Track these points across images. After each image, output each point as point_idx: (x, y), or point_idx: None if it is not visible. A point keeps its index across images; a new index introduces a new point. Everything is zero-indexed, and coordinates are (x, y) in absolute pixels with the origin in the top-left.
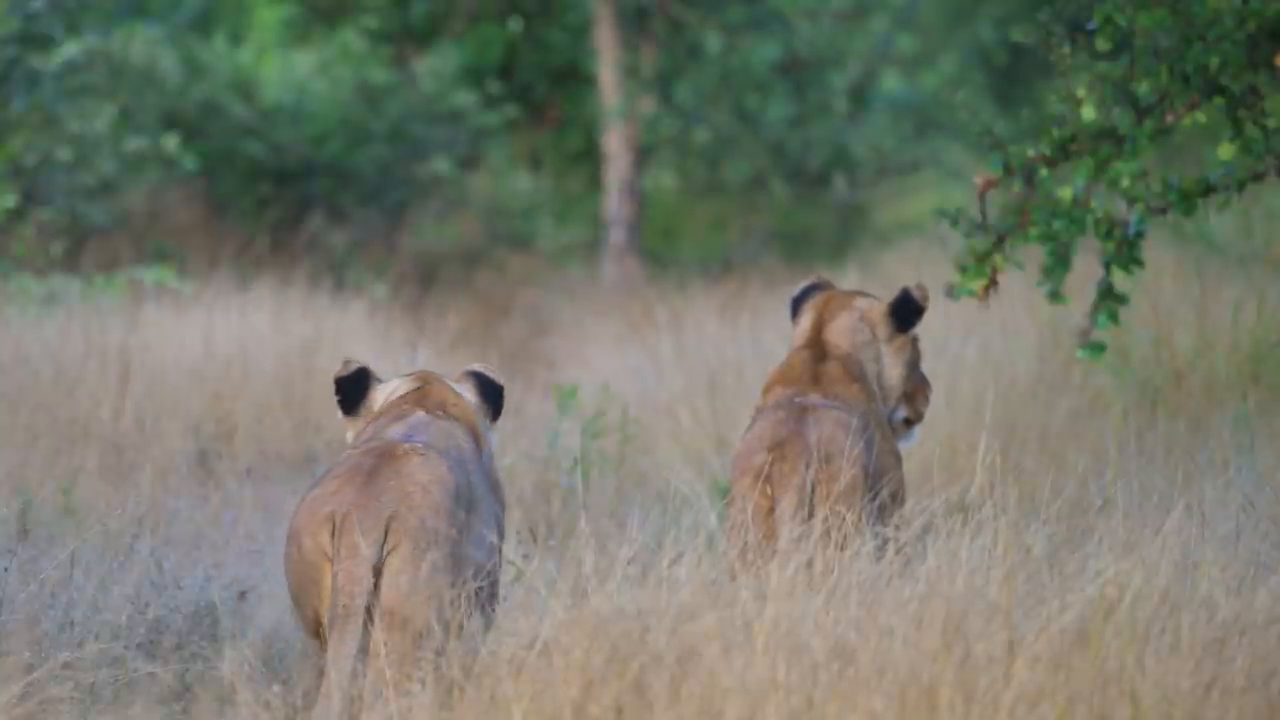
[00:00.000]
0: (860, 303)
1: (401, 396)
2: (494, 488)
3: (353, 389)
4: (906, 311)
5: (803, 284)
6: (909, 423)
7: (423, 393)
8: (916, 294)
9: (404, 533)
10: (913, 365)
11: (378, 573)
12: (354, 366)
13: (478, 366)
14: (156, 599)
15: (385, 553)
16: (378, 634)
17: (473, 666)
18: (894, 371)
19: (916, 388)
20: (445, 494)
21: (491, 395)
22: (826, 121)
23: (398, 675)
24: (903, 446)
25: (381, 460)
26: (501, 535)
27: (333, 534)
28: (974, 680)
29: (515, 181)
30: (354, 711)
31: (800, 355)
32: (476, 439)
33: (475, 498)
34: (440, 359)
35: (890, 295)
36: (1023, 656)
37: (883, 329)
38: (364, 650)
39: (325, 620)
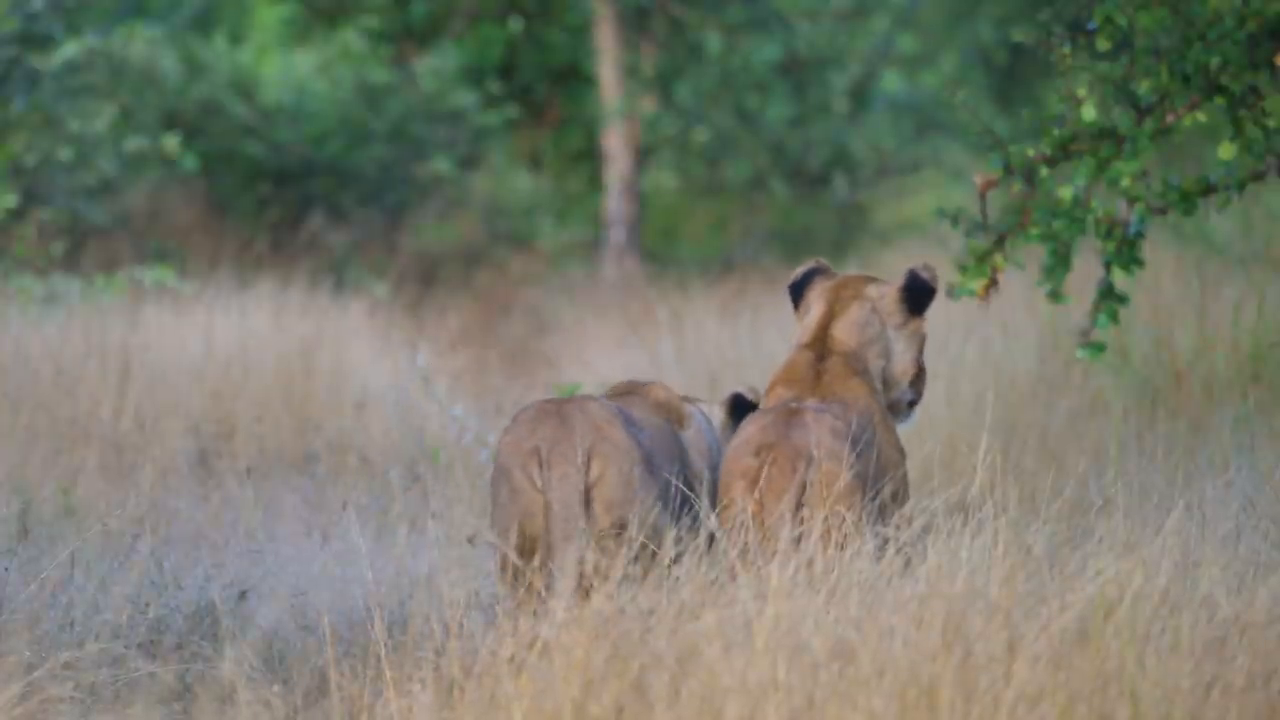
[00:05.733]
0: (872, 291)
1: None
2: (680, 464)
3: None
4: (918, 295)
5: (802, 269)
6: (911, 404)
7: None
8: (925, 275)
9: (606, 458)
10: (921, 348)
11: (588, 496)
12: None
13: (740, 389)
14: (156, 599)
15: (593, 479)
16: (593, 549)
17: (473, 666)
18: (907, 357)
19: (916, 371)
20: (625, 431)
21: (740, 414)
22: (826, 121)
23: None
24: (904, 428)
25: (563, 404)
26: (672, 511)
27: (540, 466)
28: (974, 680)
29: (515, 181)
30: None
31: (803, 355)
32: (676, 425)
33: (652, 459)
34: (440, 359)
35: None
36: (1023, 656)
37: (895, 316)
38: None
39: (539, 540)
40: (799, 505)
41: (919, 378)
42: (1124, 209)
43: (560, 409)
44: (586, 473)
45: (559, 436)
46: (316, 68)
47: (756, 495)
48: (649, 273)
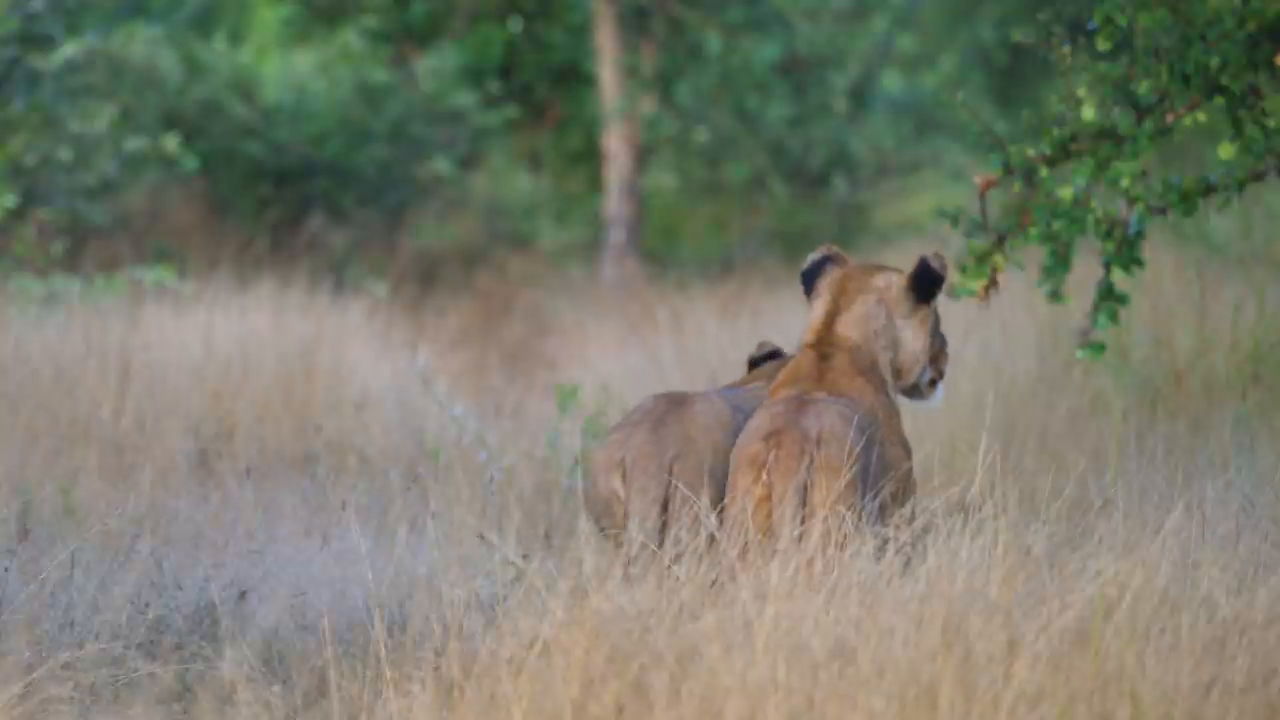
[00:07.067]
0: (879, 281)
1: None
2: None
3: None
4: (926, 283)
5: (813, 256)
6: (933, 383)
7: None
8: (935, 263)
9: (684, 473)
10: (935, 332)
11: (665, 505)
12: (768, 348)
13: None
14: (156, 599)
15: (670, 489)
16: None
17: (473, 666)
18: (918, 344)
19: (937, 349)
20: (725, 435)
21: None
22: (826, 121)
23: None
24: (930, 406)
25: (670, 405)
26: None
27: (623, 477)
28: (974, 680)
29: (515, 181)
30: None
31: (807, 356)
32: None
33: None
34: (440, 359)
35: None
36: (1023, 656)
37: (902, 306)
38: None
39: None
40: (806, 489)
41: (940, 353)
42: (1124, 209)
43: (664, 412)
44: (667, 488)
45: (646, 449)
46: (316, 68)
47: (765, 478)
48: (649, 273)
